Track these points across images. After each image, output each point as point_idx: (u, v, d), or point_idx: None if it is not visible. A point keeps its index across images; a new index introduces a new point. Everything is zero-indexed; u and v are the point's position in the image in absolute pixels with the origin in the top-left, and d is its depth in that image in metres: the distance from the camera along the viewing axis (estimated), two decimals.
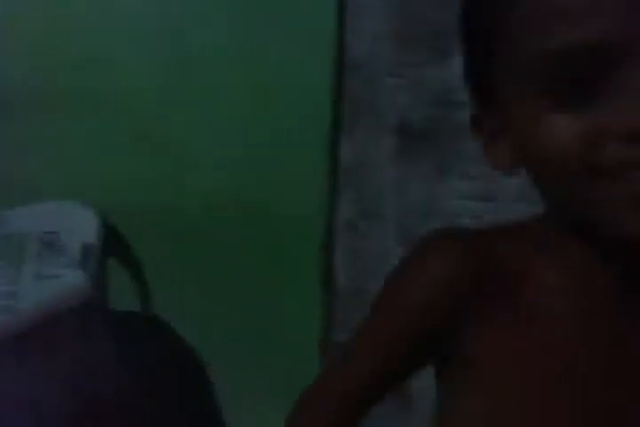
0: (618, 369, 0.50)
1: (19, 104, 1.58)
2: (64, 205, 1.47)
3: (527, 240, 0.53)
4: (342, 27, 1.45)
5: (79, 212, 1.44)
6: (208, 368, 1.56)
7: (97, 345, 1.28)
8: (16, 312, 1.24)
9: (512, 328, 0.51)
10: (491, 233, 0.54)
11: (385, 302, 0.56)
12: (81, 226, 1.41)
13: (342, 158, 1.49)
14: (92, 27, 1.57)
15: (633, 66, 0.41)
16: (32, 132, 1.59)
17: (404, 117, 1.42)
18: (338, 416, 0.58)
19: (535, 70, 0.44)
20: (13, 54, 1.59)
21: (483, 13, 0.47)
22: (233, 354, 1.54)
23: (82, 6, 1.56)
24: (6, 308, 1.25)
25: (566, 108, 0.43)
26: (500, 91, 0.48)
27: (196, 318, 1.54)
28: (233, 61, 1.56)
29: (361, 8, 1.45)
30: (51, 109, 1.57)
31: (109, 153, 1.57)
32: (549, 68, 0.43)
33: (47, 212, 1.46)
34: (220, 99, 1.57)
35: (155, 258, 1.55)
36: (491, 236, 0.54)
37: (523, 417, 0.51)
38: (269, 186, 1.55)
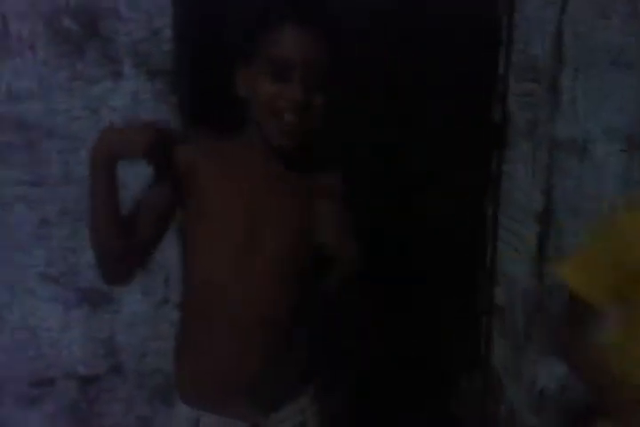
0: (258, 207, 1.00)
1: None
2: None
3: (224, 149, 1.03)
4: None
5: None
6: None
7: None
8: None
9: (215, 182, 1.00)
10: (214, 140, 1.05)
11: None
12: None
13: None
14: None
15: (297, 70, 0.94)
16: None
17: None
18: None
19: (265, 65, 0.95)
20: None
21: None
22: None
23: None
24: None
25: (273, 82, 0.95)
26: (252, 68, 0.97)
27: None
28: None
29: None
30: None
31: None
32: (270, 65, 0.95)
33: None
34: None
35: None
36: (213, 141, 1.05)
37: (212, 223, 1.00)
38: None
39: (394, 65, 1.85)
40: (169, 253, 1.57)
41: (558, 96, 1.73)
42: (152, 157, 0.93)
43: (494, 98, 1.96)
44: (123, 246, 0.96)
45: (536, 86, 1.77)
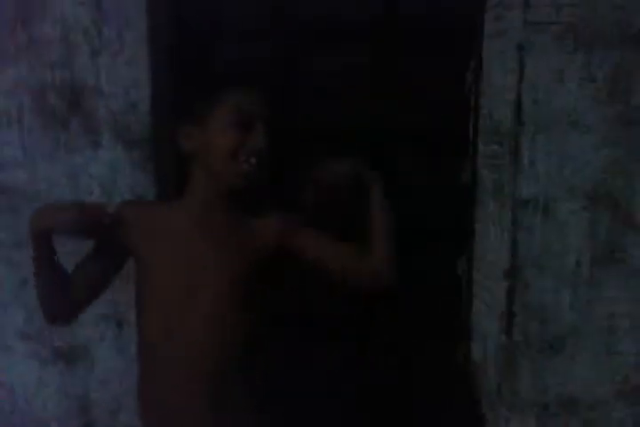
0: (195, 260, 1.10)
1: None
2: None
3: (171, 205, 1.16)
4: None
5: None
6: None
7: None
8: None
9: (154, 242, 1.11)
10: (155, 203, 1.34)
11: None
12: None
13: None
14: None
15: (260, 121, 1.11)
16: None
17: None
18: None
19: (230, 117, 1.10)
20: None
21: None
22: None
23: None
24: None
25: (237, 132, 1.09)
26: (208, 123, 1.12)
27: None
28: None
29: None
30: None
31: None
32: (236, 118, 1.10)
33: None
34: None
35: None
36: (154, 204, 1.33)
37: (159, 284, 1.11)
38: None
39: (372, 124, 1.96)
40: None
41: (520, 158, 1.82)
42: (79, 232, 1.04)
43: (466, 160, 2.05)
44: (58, 303, 1.13)
45: (500, 149, 1.86)
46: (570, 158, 1.82)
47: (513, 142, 1.82)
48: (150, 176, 1.64)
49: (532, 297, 1.83)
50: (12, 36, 1.57)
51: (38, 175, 1.60)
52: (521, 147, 1.82)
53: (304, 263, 1.17)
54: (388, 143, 2.04)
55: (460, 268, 2.10)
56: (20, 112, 1.58)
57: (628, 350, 1.81)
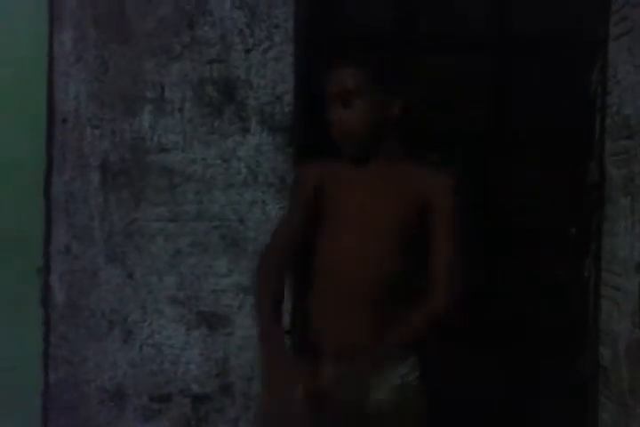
0: (365, 208, 1.31)
1: None
2: None
3: (339, 164, 1.37)
4: (51, 88, 1.84)
5: None
6: None
7: None
8: None
9: (340, 190, 1.33)
10: (326, 162, 1.39)
11: (289, 196, 1.47)
12: None
13: (54, 193, 1.83)
14: None
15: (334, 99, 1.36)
16: None
17: (104, 159, 1.84)
18: (279, 256, 1.32)
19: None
20: None
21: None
22: None
23: None
24: None
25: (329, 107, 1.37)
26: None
27: None
28: None
29: (66, 75, 1.85)
30: None
31: None
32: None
33: None
34: None
35: None
36: (326, 162, 1.38)
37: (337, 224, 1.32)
38: None
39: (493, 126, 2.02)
40: None
41: None
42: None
43: (592, 160, 2.05)
44: None
45: (630, 142, 1.85)
46: None
47: None
48: (290, 159, 1.82)
49: None
50: (177, 37, 1.82)
51: (194, 157, 1.82)
52: None
53: None
54: (511, 144, 2.09)
55: (587, 269, 2.07)
56: (182, 102, 1.82)
57: None
